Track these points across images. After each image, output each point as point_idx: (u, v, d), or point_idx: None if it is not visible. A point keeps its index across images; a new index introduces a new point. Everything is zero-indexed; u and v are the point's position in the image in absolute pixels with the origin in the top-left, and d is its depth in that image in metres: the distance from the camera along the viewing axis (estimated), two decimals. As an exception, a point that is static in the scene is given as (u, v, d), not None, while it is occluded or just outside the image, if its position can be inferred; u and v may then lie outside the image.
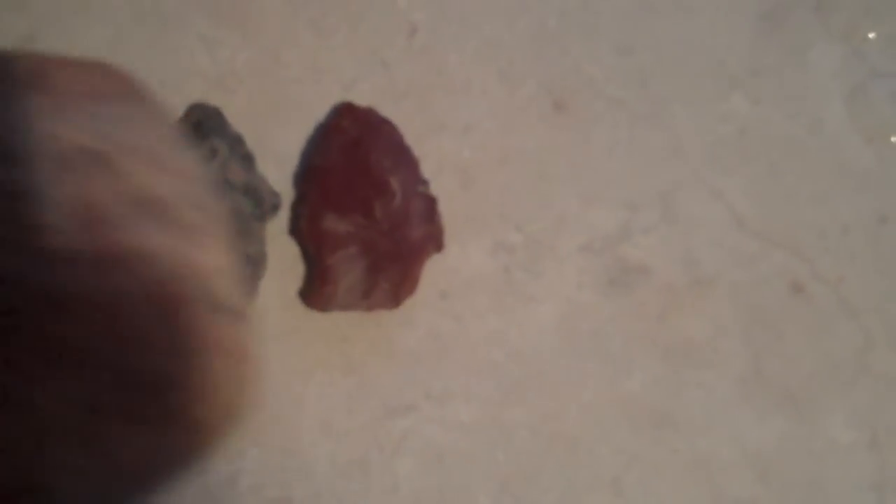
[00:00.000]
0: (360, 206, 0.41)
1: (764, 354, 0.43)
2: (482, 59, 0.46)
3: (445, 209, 0.44)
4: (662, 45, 0.45)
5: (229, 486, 0.39)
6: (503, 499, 0.41)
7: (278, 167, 0.43)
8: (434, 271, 0.43)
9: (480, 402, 0.43)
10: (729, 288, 0.43)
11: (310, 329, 0.42)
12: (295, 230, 0.39)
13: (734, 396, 0.42)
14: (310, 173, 0.41)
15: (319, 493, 0.40)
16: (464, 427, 0.42)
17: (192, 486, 0.39)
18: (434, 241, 0.42)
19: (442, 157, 0.45)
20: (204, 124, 0.38)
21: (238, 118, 0.42)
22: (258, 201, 0.38)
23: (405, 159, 0.42)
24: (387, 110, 0.45)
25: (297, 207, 0.39)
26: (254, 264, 0.38)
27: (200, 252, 0.24)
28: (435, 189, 0.44)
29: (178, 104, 0.42)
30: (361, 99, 0.45)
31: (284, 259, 0.41)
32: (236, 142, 0.38)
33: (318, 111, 0.45)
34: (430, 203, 0.42)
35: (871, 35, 0.44)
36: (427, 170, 0.44)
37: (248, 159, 0.38)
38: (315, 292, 0.40)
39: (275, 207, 0.39)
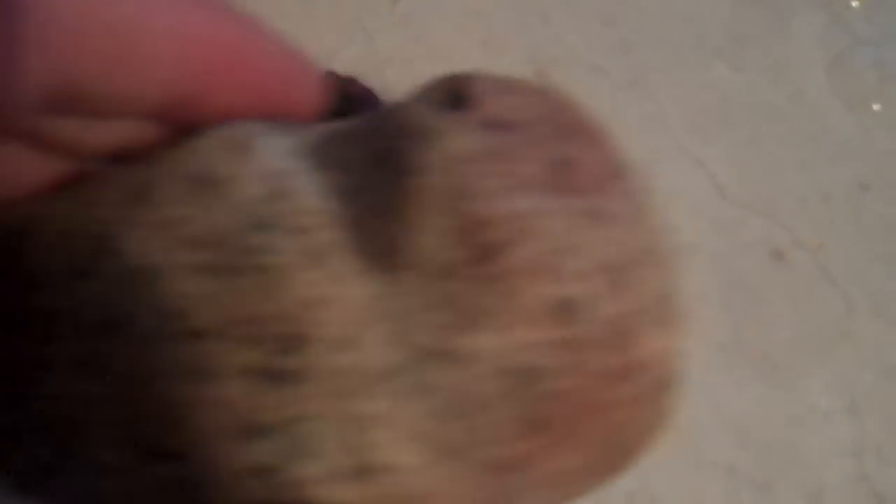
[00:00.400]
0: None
1: (744, 321, 0.43)
2: (465, 28, 0.46)
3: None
4: (645, 14, 0.45)
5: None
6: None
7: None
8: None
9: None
10: (709, 256, 0.43)
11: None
12: None
13: (714, 363, 0.42)
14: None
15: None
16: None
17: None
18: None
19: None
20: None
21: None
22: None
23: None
24: (369, 79, 0.45)
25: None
26: None
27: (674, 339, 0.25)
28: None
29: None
30: (343, 68, 0.45)
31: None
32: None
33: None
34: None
35: (853, 3, 0.44)
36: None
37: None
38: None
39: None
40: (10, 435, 0.26)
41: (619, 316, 0.23)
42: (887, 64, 0.43)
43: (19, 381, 0.26)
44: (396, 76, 0.46)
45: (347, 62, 0.45)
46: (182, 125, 0.26)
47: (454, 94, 0.25)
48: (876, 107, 0.42)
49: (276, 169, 0.26)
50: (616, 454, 0.25)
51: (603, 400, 0.23)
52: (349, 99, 0.35)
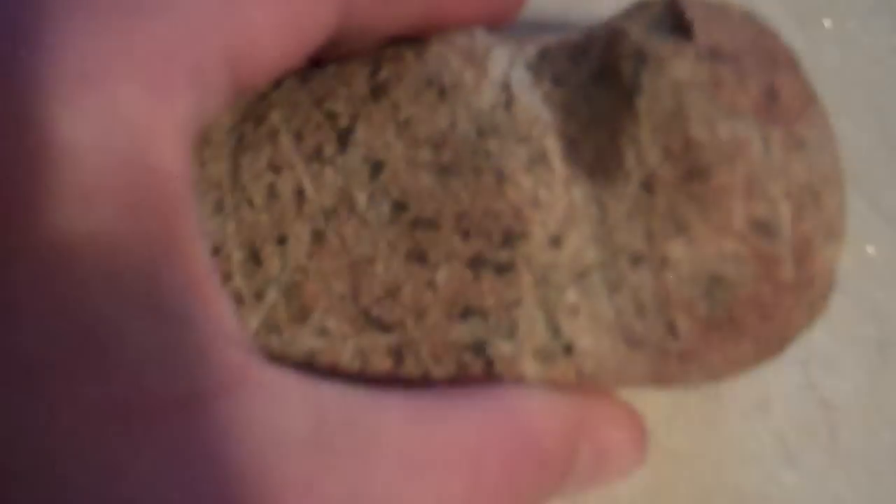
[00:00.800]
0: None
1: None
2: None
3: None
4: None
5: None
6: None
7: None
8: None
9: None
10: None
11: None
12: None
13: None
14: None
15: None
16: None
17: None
18: None
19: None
20: None
21: None
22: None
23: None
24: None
25: None
26: None
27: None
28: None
29: None
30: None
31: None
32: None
33: None
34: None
35: (804, -82, 0.44)
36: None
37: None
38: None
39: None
40: (256, 295, 0.29)
41: (805, 233, 0.27)
42: (838, -21, 0.43)
43: (261, 255, 0.29)
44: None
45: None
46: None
47: (672, 18, 0.28)
48: (827, 23, 0.42)
49: (507, 79, 0.29)
50: (776, 345, 0.28)
51: (781, 306, 0.27)
52: None
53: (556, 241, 0.28)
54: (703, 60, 0.27)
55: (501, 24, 0.31)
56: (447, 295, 0.28)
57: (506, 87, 0.29)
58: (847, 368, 0.32)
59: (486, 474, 0.25)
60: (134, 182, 0.21)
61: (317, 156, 0.30)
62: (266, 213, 0.29)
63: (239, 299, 0.29)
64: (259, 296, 0.29)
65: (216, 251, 0.30)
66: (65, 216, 0.21)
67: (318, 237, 0.29)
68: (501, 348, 0.28)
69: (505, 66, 0.30)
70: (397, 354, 0.28)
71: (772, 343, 0.28)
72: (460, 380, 0.28)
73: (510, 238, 0.28)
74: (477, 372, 0.28)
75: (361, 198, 0.29)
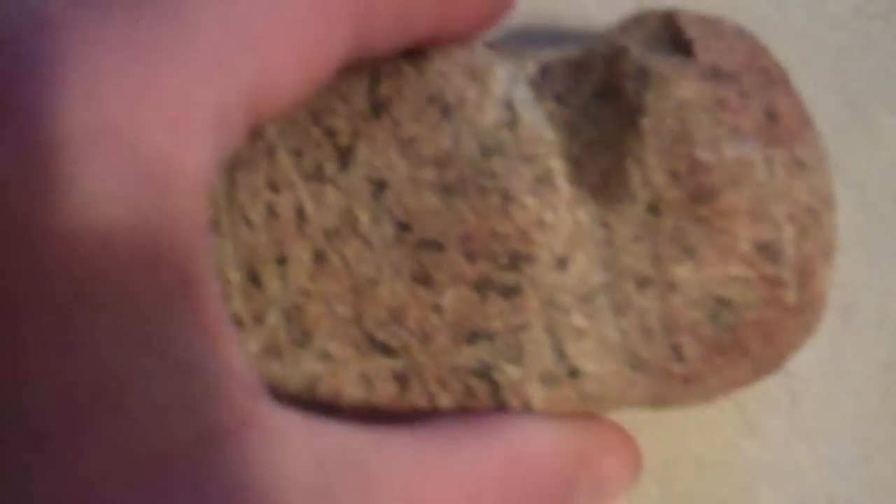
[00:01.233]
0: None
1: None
2: None
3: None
4: None
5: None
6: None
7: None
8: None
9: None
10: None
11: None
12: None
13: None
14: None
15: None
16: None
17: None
18: None
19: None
20: None
21: None
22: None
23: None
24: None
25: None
26: None
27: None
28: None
29: None
30: None
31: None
32: None
33: None
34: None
35: None
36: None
37: None
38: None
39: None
40: (255, 319, 0.29)
41: (807, 255, 0.27)
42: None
43: (261, 277, 0.29)
44: None
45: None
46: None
47: (670, 34, 0.29)
48: (791, -15, 0.42)
49: (510, 97, 0.29)
50: (774, 365, 0.29)
51: (783, 329, 0.28)
52: None
53: (562, 263, 0.28)
54: (706, 80, 0.27)
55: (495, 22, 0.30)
56: (453, 318, 0.28)
57: (509, 105, 0.29)
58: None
59: None
60: (151, 231, 0.21)
61: (317, 174, 0.29)
62: (265, 233, 0.29)
63: (238, 322, 0.29)
64: (259, 319, 0.29)
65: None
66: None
67: (319, 258, 0.29)
68: (508, 373, 0.28)
69: (507, 83, 0.29)
70: (402, 380, 0.28)
71: (768, 365, 0.29)
72: (466, 408, 0.28)
73: (516, 260, 0.28)
74: (483, 397, 0.28)
75: (364, 218, 0.29)
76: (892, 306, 0.37)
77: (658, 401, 0.29)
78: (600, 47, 0.29)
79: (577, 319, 0.28)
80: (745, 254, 0.27)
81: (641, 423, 0.34)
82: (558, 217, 0.28)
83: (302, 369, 0.28)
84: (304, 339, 0.28)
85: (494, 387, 0.28)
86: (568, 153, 0.28)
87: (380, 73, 0.30)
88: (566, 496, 0.28)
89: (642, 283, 0.27)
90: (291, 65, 0.24)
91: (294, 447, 0.22)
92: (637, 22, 0.29)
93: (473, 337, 0.28)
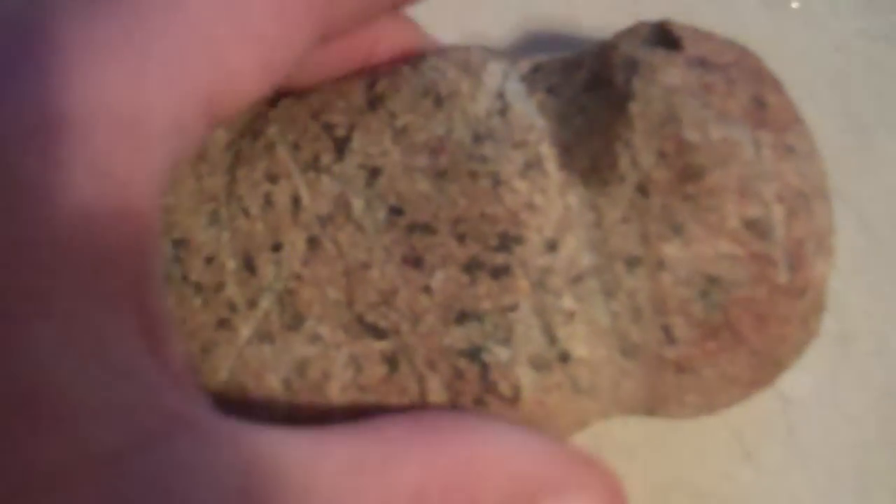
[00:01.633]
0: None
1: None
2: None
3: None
4: None
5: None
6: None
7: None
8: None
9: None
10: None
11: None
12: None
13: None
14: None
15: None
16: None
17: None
18: None
19: None
20: None
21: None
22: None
23: None
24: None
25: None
26: None
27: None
28: None
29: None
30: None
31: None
32: None
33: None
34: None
35: None
36: None
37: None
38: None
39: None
40: (249, 303, 0.29)
41: (798, 238, 0.27)
42: (805, -41, 0.43)
43: (256, 263, 0.30)
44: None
45: None
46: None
47: (660, 35, 0.29)
48: (794, 4, 0.41)
49: (502, 89, 0.30)
50: (770, 367, 0.29)
51: (775, 312, 0.27)
52: None
53: (551, 246, 0.28)
54: (693, 68, 0.28)
55: None
56: (443, 299, 0.28)
57: (501, 95, 0.29)
58: (806, 362, 0.31)
59: None
60: (101, 233, 0.21)
61: (313, 164, 0.30)
62: (261, 222, 0.30)
63: (232, 308, 0.29)
64: (252, 304, 0.29)
65: (209, 261, 0.30)
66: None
67: (313, 244, 0.29)
68: (497, 354, 0.28)
69: (500, 77, 0.30)
70: (391, 361, 0.28)
71: (766, 362, 0.28)
72: (455, 391, 0.28)
73: (506, 242, 0.28)
74: (471, 379, 0.28)
75: (358, 204, 0.29)
76: (892, 334, 0.36)
77: (653, 396, 0.29)
78: (591, 48, 0.30)
79: (568, 302, 0.28)
80: (733, 230, 0.27)
81: (637, 448, 0.34)
82: (548, 200, 0.28)
83: (292, 353, 0.29)
84: (295, 322, 0.29)
85: (483, 368, 0.28)
86: (558, 140, 0.29)
87: (377, 73, 0.31)
88: None
89: (632, 263, 0.27)
90: (250, 65, 0.24)
91: (224, 452, 0.22)
92: (629, 31, 0.30)
93: (462, 317, 0.28)
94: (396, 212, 0.29)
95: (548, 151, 0.29)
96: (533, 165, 0.28)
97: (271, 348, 0.29)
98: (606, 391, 0.28)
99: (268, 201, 0.30)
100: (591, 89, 0.29)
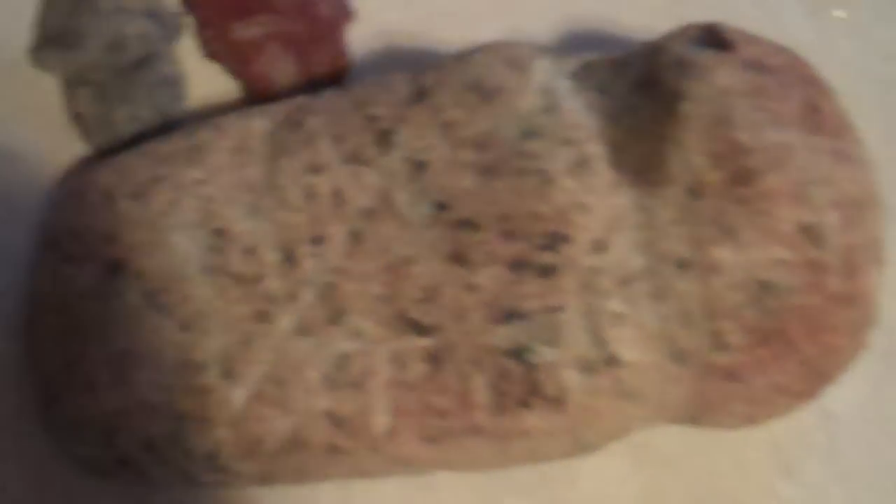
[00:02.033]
0: (259, 4, 0.38)
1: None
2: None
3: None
4: None
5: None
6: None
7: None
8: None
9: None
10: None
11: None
12: (209, 52, 0.36)
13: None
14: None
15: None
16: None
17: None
18: (343, 11, 0.39)
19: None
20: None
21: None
22: (162, 23, 0.35)
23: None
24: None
25: (200, 31, 0.36)
26: (171, 84, 0.37)
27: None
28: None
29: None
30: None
31: (215, 81, 0.38)
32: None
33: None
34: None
35: None
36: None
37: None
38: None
39: (179, 27, 0.36)
40: (289, 296, 0.29)
41: (851, 246, 0.27)
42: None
43: (297, 256, 0.29)
44: None
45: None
46: None
47: (710, 36, 0.29)
48: (836, 13, 0.40)
49: (549, 86, 0.29)
50: (817, 378, 0.29)
51: (827, 322, 0.27)
52: None
53: (600, 246, 0.28)
54: (746, 70, 0.28)
55: None
56: (488, 297, 0.28)
57: (549, 92, 0.29)
58: (849, 377, 0.30)
59: None
60: None
61: (357, 157, 0.30)
62: (303, 214, 0.29)
63: (271, 300, 0.29)
64: (292, 296, 0.29)
65: (249, 252, 0.29)
66: None
67: (355, 238, 0.29)
68: (543, 355, 0.27)
69: (548, 74, 0.30)
70: (434, 359, 0.28)
71: (815, 373, 0.28)
72: (500, 391, 0.27)
73: (554, 241, 0.28)
74: (517, 379, 0.27)
75: (401, 198, 0.29)
76: (936, 350, 0.35)
77: (699, 405, 0.29)
78: (639, 48, 0.30)
79: (616, 304, 0.27)
80: (787, 235, 0.26)
81: (677, 459, 0.33)
82: (597, 200, 0.28)
83: (332, 348, 0.28)
84: (336, 316, 0.28)
85: (529, 368, 0.27)
86: (608, 139, 0.28)
87: (423, 68, 0.31)
88: None
89: (682, 266, 0.27)
90: None
91: None
92: (678, 32, 0.30)
93: (508, 316, 0.27)
94: (441, 207, 0.28)
95: (597, 150, 0.28)
96: (582, 164, 0.28)
97: (312, 342, 0.28)
98: (652, 397, 0.28)
99: (309, 193, 0.29)
100: (642, 89, 0.29)
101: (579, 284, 0.27)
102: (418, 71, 0.31)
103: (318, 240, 0.29)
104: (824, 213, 0.27)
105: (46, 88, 0.37)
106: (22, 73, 0.36)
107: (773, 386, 0.28)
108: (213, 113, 0.35)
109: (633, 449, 0.33)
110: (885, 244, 0.28)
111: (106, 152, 0.35)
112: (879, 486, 0.34)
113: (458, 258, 0.28)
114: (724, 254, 0.27)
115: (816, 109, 0.28)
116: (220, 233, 0.30)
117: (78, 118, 0.35)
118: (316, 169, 0.30)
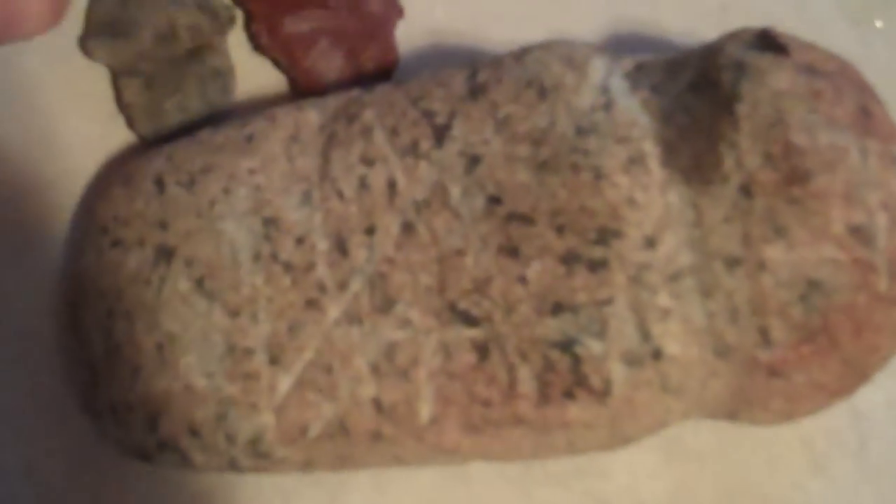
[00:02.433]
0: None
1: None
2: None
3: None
4: None
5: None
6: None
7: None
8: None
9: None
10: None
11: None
12: (259, 46, 0.36)
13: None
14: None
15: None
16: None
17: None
18: (394, 7, 0.40)
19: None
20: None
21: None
22: (213, 15, 0.36)
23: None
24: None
25: (250, 24, 0.36)
26: (221, 76, 0.37)
27: None
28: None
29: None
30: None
31: (262, 74, 0.38)
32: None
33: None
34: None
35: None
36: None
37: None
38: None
39: (231, 19, 0.37)
40: (339, 285, 0.29)
41: None
42: (892, -20, 0.42)
43: (348, 246, 0.30)
44: None
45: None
46: None
47: (764, 40, 0.29)
48: (879, 23, 0.41)
49: (605, 85, 0.30)
50: (856, 377, 0.29)
51: (872, 321, 0.28)
52: None
53: (650, 242, 0.28)
54: (801, 73, 0.28)
55: None
56: (538, 290, 0.28)
57: (605, 90, 0.30)
58: (881, 378, 0.30)
59: None
60: None
61: (412, 150, 0.30)
62: (356, 205, 0.30)
63: (321, 288, 0.29)
64: (343, 285, 0.29)
65: (300, 241, 0.30)
66: None
67: (407, 229, 0.29)
68: (590, 347, 0.28)
69: (604, 72, 0.30)
70: (482, 350, 0.28)
71: (854, 371, 0.28)
72: (545, 382, 0.28)
73: (605, 236, 0.28)
74: (563, 371, 0.28)
75: (455, 191, 0.29)
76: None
77: (739, 400, 0.29)
78: (694, 50, 0.31)
79: (664, 299, 0.28)
80: (837, 235, 0.27)
81: (708, 454, 0.34)
82: (649, 197, 0.28)
83: (381, 336, 0.29)
84: (386, 306, 0.29)
85: (575, 360, 0.28)
86: (661, 138, 0.29)
87: (478, 63, 0.31)
88: None
89: (731, 263, 0.27)
90: None
91: None
92: (733, 35, 0.30)
93: (557, 309, 0.28)
94: (495, 201, 0.29)
95: (651, 148, 0.29)
96: (636, 161, 0.28)
97: (360, 331, 0.29)
98: (693, 392, 0.28)
99: (363, 184, 0.30)
100: (697, 89, 0.29)
101: (628, 279, 0.28)
102: (473, 67, 0.31)
103: (370, 230, 0.29)
104: (874, 214, 0.27)
105: (96, 76, 0.37)
106: (72, 61, 0.37)
107: (814, 383, 0.28)
108: (260, 106, 0.36)
109: (665, 443, 0.33)
110: None
111: (153, 142, 0.36)
112: (908, 486, 0.34)
113: (510, 251, 0.28)
114: (774, 252, 0.27)
115: (868, 114, 0.28)
116: (271, 221, 0.30)
117: (126, 107, 0.36)
118: (370, 161, 0.30)
